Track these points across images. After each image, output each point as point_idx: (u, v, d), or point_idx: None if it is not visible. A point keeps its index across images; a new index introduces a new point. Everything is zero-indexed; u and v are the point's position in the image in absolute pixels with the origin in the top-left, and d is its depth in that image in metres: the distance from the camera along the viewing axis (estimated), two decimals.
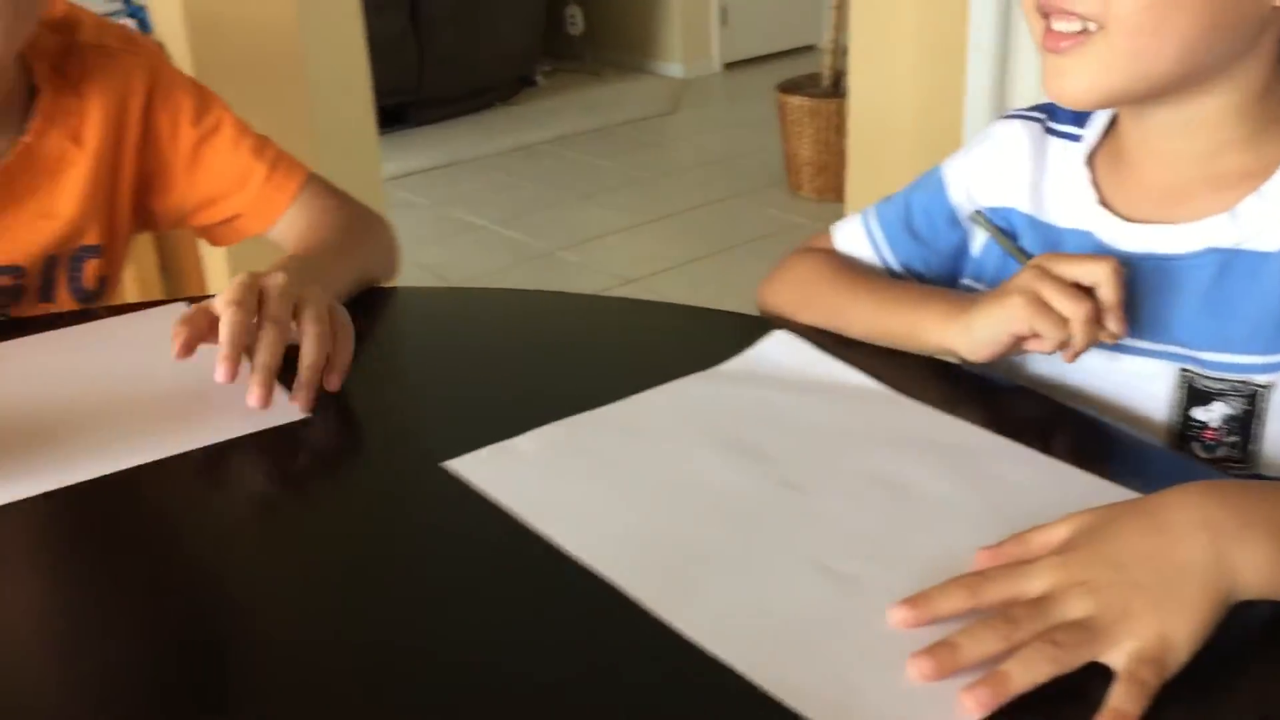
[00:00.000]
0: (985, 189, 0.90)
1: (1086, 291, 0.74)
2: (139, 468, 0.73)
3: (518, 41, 4.79)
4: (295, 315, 0.80)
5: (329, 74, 2.32)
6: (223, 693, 0.57)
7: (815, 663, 0.54)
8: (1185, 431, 0.78)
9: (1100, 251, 0.81)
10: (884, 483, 0.69)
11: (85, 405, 0.81)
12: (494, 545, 0.65)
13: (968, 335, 0.79)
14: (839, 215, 1.07)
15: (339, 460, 0.79)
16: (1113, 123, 0.84)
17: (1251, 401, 0.76)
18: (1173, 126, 0.78)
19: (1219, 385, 0.76)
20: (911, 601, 0.56)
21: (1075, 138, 0.86)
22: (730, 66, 5.34)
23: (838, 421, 0.76)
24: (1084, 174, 0.84)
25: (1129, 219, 0.80)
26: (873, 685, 0.53)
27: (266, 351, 0.77)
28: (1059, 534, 0.58)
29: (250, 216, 1.06)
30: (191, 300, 0.97)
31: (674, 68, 5.25)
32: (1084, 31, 0.72)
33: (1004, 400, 0.81)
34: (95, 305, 1.05)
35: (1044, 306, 0.74)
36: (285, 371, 0.79)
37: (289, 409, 0.78)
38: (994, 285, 0.88)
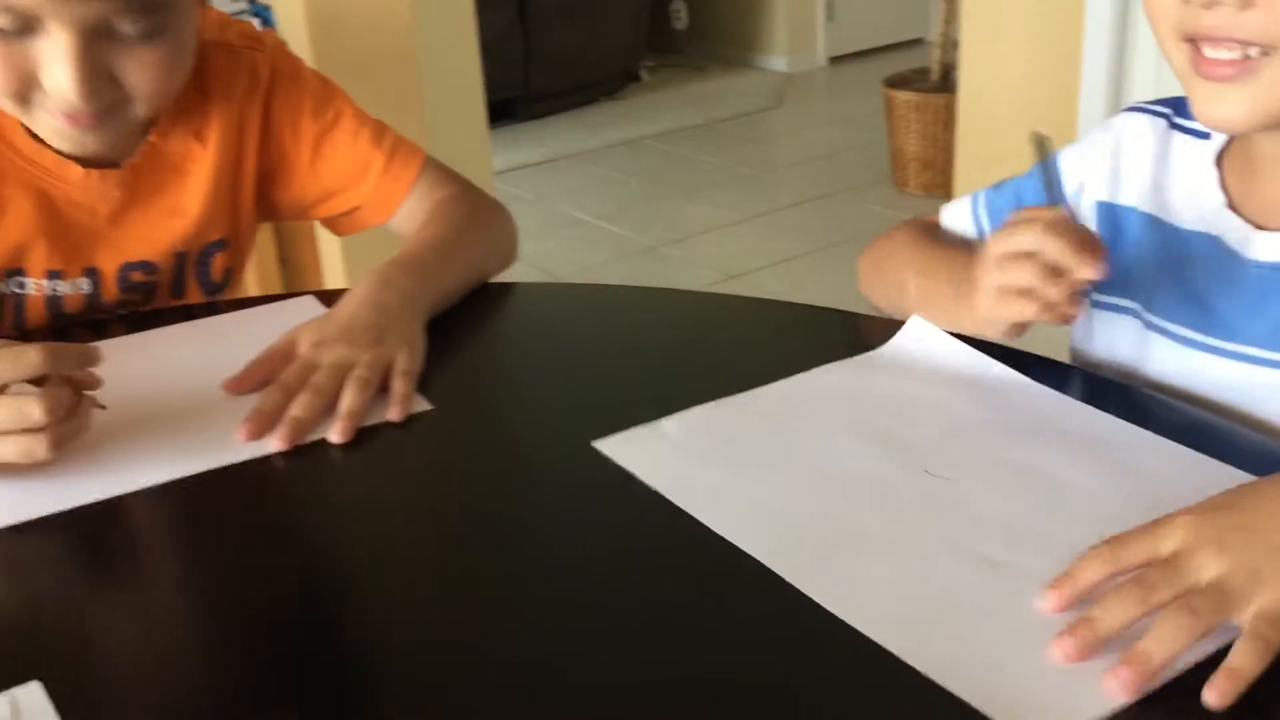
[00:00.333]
0: (1102, 184, 0.88)
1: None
2: (269, 456, 0.76)
3: (623, 37, 4.81)
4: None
5: (442, 71, 2.36)
6: (373, 672, 0.59)
7: (965, 645, 0.56)
8: None
9: (1227, 258, 0.79)
10: (1026, 472, 0.69)
11: (217, 397, 0.84)
12: (644, 522, 0.67)
13: (975, 321, 0.81)
14: None
15: (488, 444, 0.81)
16: None
17: None
18: None
19: None
20: (1057, 584, 0.57)
21: (1204, 135, 0.83)
22: (835, 60, 5.30)
23: (977, 411, 0.76)
24: (1213, 175, 0.82)
25: (1260, 226, 0.78)
26: (1023, 667, 0.54)
27: (300, 406, 0.79)
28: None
29: (370, 208, 1.08)
30: (318, 294, 1.00)
31: (778, 62, 5.23)
32: (1245, 58, 0.70)
33: (1135, 402, 0.80)
34: (221, 298, 1.08)
35: (1009, 294, 0.75)
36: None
37: (422, 404, 0.82)
38: (1098, 288, 0.86)
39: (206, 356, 0.90)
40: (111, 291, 1.01)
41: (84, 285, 0.99)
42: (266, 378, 0.84)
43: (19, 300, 0.97)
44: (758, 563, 0.62)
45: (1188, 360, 0.81)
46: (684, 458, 0.73)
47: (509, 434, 0.82)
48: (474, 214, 1.07)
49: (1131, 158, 0.86)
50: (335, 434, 0.78)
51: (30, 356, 0.72)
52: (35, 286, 0.97)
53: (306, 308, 0.98)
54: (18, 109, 0.85)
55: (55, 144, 0.88)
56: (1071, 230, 0.73)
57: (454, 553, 0.68)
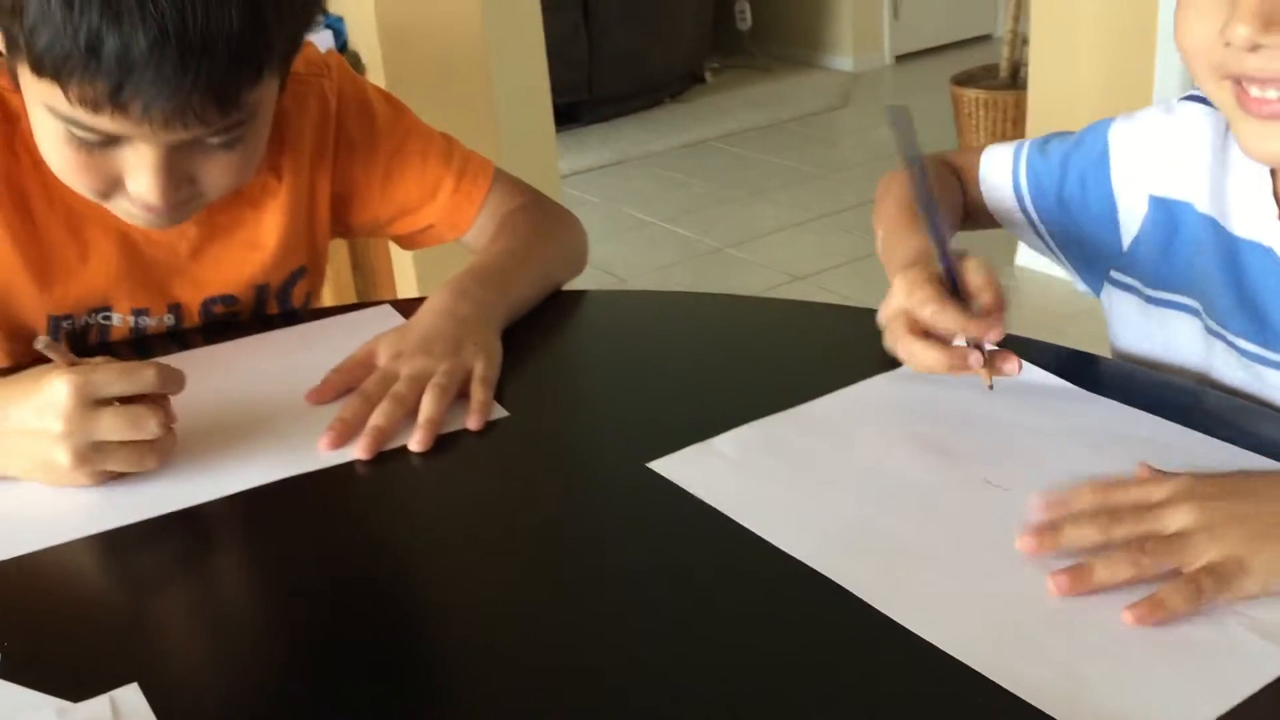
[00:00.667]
0: (1156, 175, 0.85)
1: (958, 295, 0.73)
2: (350, 463, 0.78)
3: (687, 38, 4.82)
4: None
5: (510, 76, 2.38)
6: (445, 675, 0.60)
7: (1039, 656, 0.56)
8: None
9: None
10: (1085, 480, 0.68)
11: (299, 405, 0.85)
12: (706, 542, 0.68)
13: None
14: None
15: (546, 460, 0.82)
16: None
17: None
18: None
19: None
20: (1039, 533, 0.61)
21: None
22: (901, 59, 5.26)
23: (1031, 420, 0.76)
24: (1267, 185, 0.79)
25: None
26: (1101, 678, 0.54)
27: (380, 415, 0.81)
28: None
29: (442, 226, 1.09)
30: (394, 303, 1.02)
31: (844, 61, 5.20)
32: None
33: (1190, 401, 0.79)
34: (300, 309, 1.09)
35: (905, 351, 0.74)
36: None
37: (500, 411, 0.83)
38: (1153, 283, 0.84)
39: (287, 366, 0.92)
40: (194, 323, 1.03)
41: (168, 320, 1.01)
42: (346, 387, 0.86)
43: (104, 330, 1.00)
44: (823, 577, 0.62)
45: (1251, 370, 0.79)
46: (741, 474, 0.73)
47: (581, 442, 0.83)
48: (544, 223, 1.08)
49: (1190, 152, 0.83)
50: (415, 443, 0.79)
51: (148, 375, 0.75)
52: (121, 320, 1.00)
53: (383, 317, 1.00)
54: (97, 200, 0.87)
55: (130, 222, 0.90)
56: (953, 305, 0.72)
57: (528, 560, 0.69)
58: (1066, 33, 2.70)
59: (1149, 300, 0.85)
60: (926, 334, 0.73)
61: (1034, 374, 0.81)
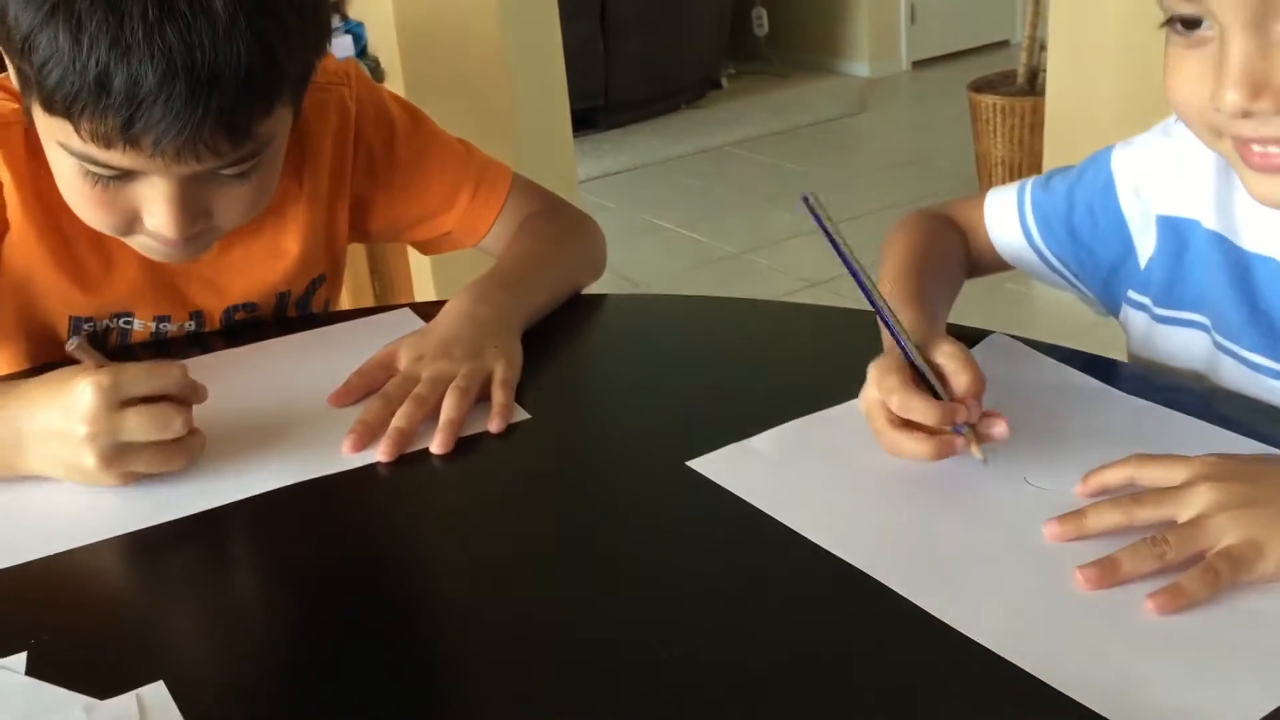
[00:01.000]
0: (1161, 193, 0.84)
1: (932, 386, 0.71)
2: (372, 465, 0.78)
3: (703, 44, 4.83)
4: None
5: (528, 81, 2.39)
6: (470, 675, 0.61)
7: (1088, 655, 0.56)
8: None
9: None
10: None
11: (320, 408, 0.86)
12: (746, 541, 0.68)
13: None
14: None
15: (584, 452, 0.82)
16: None
17: None
18: None
19: None
20: (1065, 521, 0.64)
21: None
22: (918, 65, 5.25)
23: (1064, 422, 0.76)
24: None
25: None
26: (1154, 677, 0.54)
27: (401, 417, 0.81)
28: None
29: (460, 232, 1.10)
30: (413, 306, 1.03)
31: (860, 67, 5.20)
32: None
33: (1224, 402, 0.79)
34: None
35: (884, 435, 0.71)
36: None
37: (520, 413, 0.84)
38: (1161, 302, 0.84)
39: (307, 369, 0.93)
40: (215, 328, 1.03)
41: (189, 325, 1.02)
42: (367, 390, 0.86)
43: (125, 333, 1.01)
44: (865, 574, 0.63)
45: (1261, 384, 0.79)
46: (779, 473, 0.74)
47: (604, 443, 0.84)
48: (563, 228, 1.09)
49: (1193, 171, 0.82)
50: (437, 445, 0.79)
51: (176, 373, 0.76)
52: (142, 325, 1.00)
53: (403, 320, 1.00)
54: (115, 235, 0.88)
55: (147, 255, 0.91)
56: (918, 395, 0.70)
57: (553, 559, 0.70)
58: (1085, 38, 2.70)
59: (1156, 319, 0.86)
60: (907, 423, 0.71)
61: (1071, 375, 0.81)
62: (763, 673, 0.57)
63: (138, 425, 0.74)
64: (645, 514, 0.73)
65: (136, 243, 0.89)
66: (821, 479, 0.73)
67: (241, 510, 0.75)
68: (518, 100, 2.31)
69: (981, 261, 0.97)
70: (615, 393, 0.92)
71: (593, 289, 1.07)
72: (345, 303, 1.17)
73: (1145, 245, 0.86)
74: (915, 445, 0.70)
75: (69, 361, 0.81)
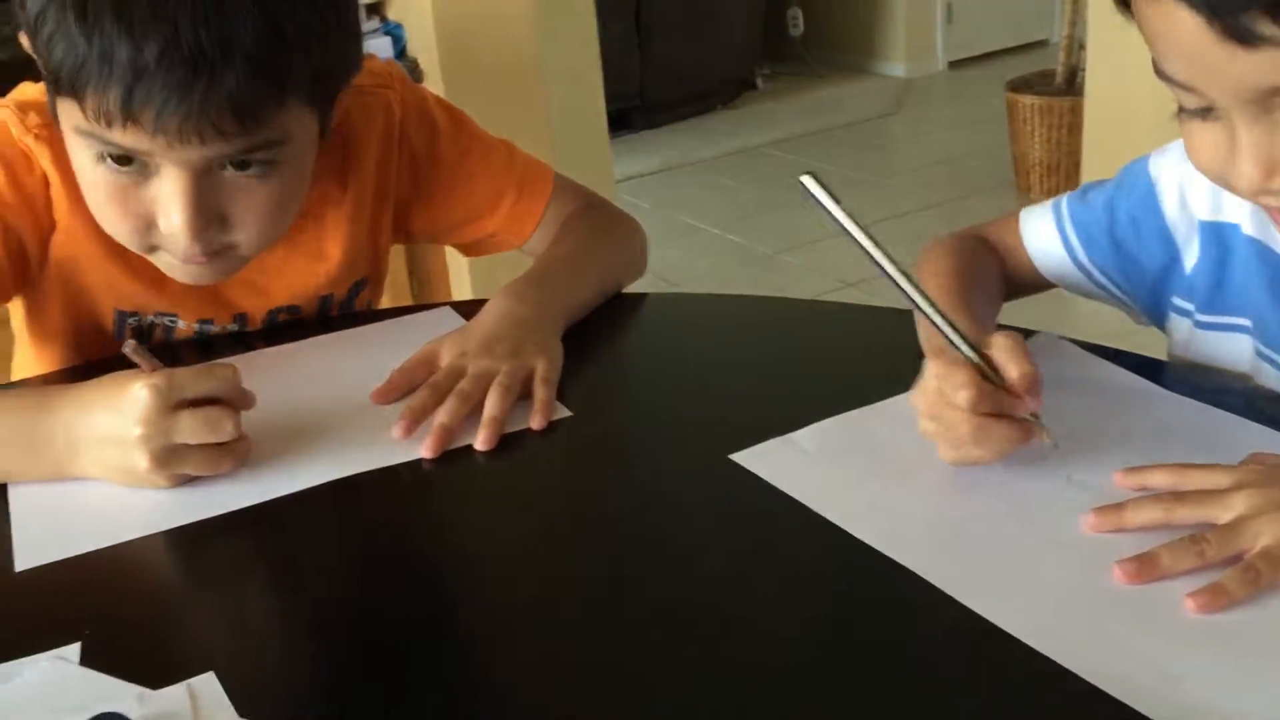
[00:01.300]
0: (1202, 198, 0.84)
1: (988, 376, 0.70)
2: (417, 461, 0.79)
3: (738, 45, 4.82)
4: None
5: (564, 82, 2.40)
6: (514, 670, 0.61)
7: (1129, 653, 0.56)
8: None
9: None
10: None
11: (364, 405, 0.87)
12: (791, 534, 0.68)
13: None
14: None
15: (626, 449, 0.83)
16: None
17: None
18: None
19: None
20: (1103, 513, 0.64)
21: None
22: (955, 65, 5.22)
23: (1110, 420, 0.76)
24: None
25: None
26: (1192, 675, 0.54)
27: (445, 413, 0.82)
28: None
29: (504, 234, 1.10)
30: (454, 305, 1.04)
31: (896, 67, 5.17)
32: None
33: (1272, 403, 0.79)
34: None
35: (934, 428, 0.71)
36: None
37: (562, 411, 0.85)
38: (1206, 307, 0.84)
39: (349, 366, 0.94)
40: (257, 329, 1.04)
41: (232, 327, 1.03)
42: (410, 386, 0.87)
43: (169, 330, 1.02)
44: (909, 571, 0.63)
45: None
46: (823, 468, 0.74)
47: (645, 439, 0.84)
48: (604, 227, 1.09)
49: None
50: (480, 442, 0.80)
51: (226, 373, 0.77)
52: (185, 325, 1.01)
53: (444, 318, 1.01)
54: (142, 252, 0.89)
55: (174, 277, 0.91)
56: (989, 387, 0.69)
57: (601, 555, 0.70)
58: (1125, 38, 2.67)
59: (1198, 325, 0.85)
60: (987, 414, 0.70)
61: (1118, 374, 0.81)
62: (804, 667, 0.57)
63: (190, 427, 0.75)
64: (687, 508, 0.74)
65: (162, 262, 0.89)
66: (865, 474, 0.73)
67: (289, 505, 0.75)
68: (554, 101, 2.32)
69: (1019, 282, 0.96)
70: (656, 390, 0.93)
71: (630, 289, 1.07)
72: (383, 303, 1.18)
73: (1190, 251, 0.86)
74: (1009, 432, 0.69)
75: (114, 358, 0.82)
